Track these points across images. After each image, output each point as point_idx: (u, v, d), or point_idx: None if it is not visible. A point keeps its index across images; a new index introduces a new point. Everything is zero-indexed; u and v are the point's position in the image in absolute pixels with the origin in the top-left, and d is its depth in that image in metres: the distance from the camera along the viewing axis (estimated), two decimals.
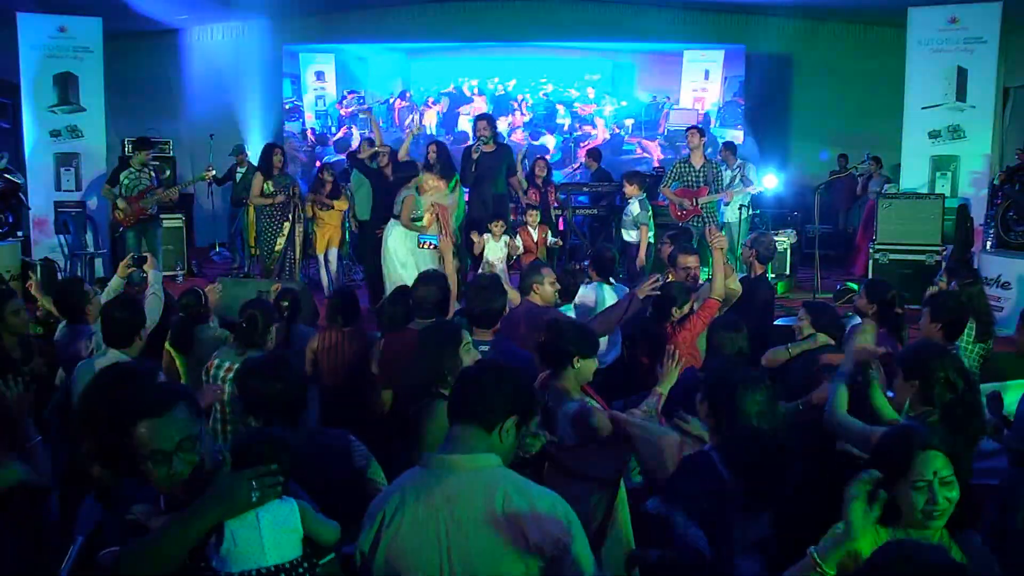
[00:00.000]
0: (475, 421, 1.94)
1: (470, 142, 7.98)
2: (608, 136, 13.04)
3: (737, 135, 12.18)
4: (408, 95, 13.17)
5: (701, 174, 7.59)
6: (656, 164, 12.24)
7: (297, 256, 7.74)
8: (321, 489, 2.27)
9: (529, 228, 7.80)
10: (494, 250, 7.14)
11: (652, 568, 2.32)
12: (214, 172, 8.23)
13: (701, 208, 7.57)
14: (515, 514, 1.82)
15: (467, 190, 7.46)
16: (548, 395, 2.93)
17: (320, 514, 2.04)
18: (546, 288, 4.26)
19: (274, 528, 1.91)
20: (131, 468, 2.00)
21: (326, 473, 2.46)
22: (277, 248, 7.55)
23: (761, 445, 2.41)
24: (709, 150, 8.60)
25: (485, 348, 3.54)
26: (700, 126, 8.05)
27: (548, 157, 10.42)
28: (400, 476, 2.01)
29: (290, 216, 7.61)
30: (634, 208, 7.62)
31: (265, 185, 7.58)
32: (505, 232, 7.12)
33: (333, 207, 8.17)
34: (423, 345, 3.12)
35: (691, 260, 4.94)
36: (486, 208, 7.32)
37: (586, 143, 12.68)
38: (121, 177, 8.29)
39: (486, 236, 7.25)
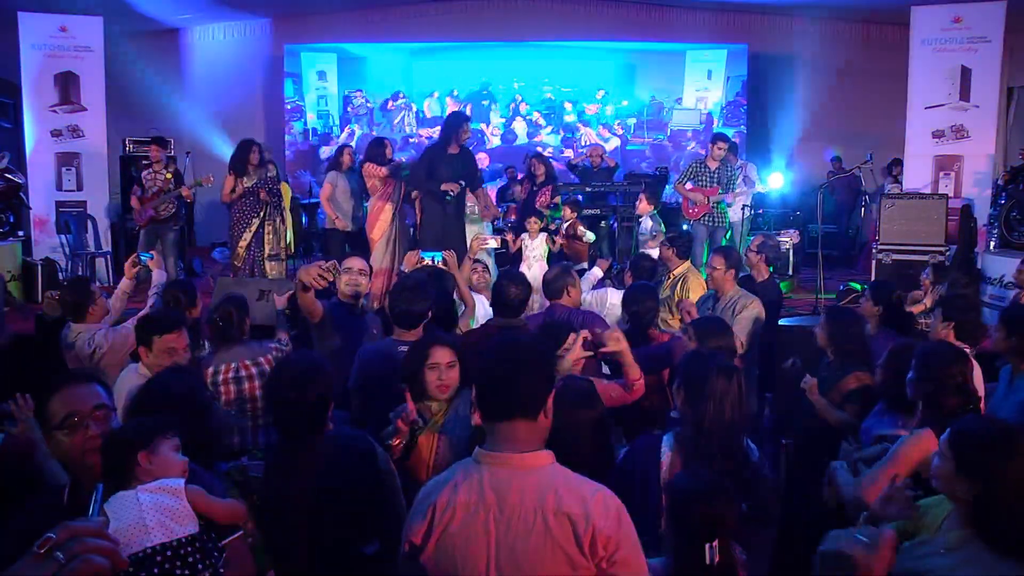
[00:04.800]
0: (521, 417, 1.87)
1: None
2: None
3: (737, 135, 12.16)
4: (401, 95, 13.14)
5: (715, 176, 7.79)
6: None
7: (265, 254, 7.40)
8: (347, 490, 2.30)
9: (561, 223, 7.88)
10: (533, 248, 7.19)
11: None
12: (212, 181, 8.12)
13: (712, 207, 7.73)
14: (567, 515, 1.79)
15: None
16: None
17: (216, 496, 2.12)
18: (578, 291, 4.36)
19: (158, 509, 1.97)
20: None
21: (351, 474, 2.45)
22: (242, 245, 7.27)
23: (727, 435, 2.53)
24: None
25: (404, 348, 3.51)
26: (726, 136, 8.22)
27: (547, 154, 10.23)
28: (450, 468, 1.98)
29: (260, 213, 7.31)
30: (647, 224, 7.72)
31: (237, 185, 7.26)
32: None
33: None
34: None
35: (717, 261, 4.95)
36: (442, 214, 6.79)
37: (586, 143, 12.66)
38: (142, 177, 8.23)
39: (524, 235, 7.31)
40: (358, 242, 7.91)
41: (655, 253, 7.43)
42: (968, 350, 3.28)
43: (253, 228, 7.30)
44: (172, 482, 2.04)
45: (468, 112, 11.67)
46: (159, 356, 3.38)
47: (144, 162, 8.51)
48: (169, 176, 8.26)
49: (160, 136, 8.84)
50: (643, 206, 7.76)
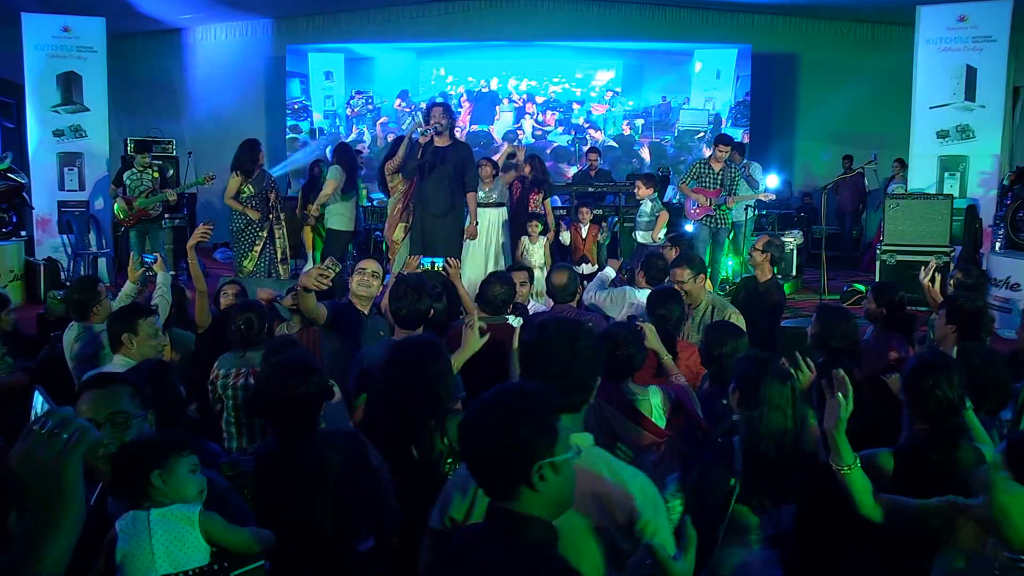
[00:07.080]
0: (500, 500, 1.61)
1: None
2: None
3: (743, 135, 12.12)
4: (408, 95, 13.11)
5: (719, 177, 7.79)
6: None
7: (277, 255, 7.23)
8: (339, 487, 2.33)
9: (580, 225, 7.99)
10: (533, 252, 7.16)
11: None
12: (214, 179, 8.03)
13: (714, 208, 7.74)
14: (600, 495, 1.82)
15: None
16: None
17: (238, 525, 2.05)
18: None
19: (167, 537, 1.93)
20: None
21: (343, 472, 2.45)
22: (256, 249, 7.10)
23: (779, 440, 2.41)
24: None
25: None
26: (729, 138, 8.20)
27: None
28: None
29: (270, 216, 7.14)
30: (647, 206, 7.96)
31: (245, 187, 7.05)
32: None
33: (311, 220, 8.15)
34: (411, 358, 2.84)
35: (682, 274, 4.68)
36: (421, 218, 6.36)
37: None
38: (124, 178, 8.31)
39: (524, 239, 7.25)
40: (359, 244, 7.90)
41: (648, 239, 7.79)
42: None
43: (265, 231, 7.13)
44: (187, 508, 1.97)
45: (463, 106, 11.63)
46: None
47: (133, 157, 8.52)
48: (156, 175, 8.31)
49: (146, 140, 8.79)
50: (642, 191, 7.94)
